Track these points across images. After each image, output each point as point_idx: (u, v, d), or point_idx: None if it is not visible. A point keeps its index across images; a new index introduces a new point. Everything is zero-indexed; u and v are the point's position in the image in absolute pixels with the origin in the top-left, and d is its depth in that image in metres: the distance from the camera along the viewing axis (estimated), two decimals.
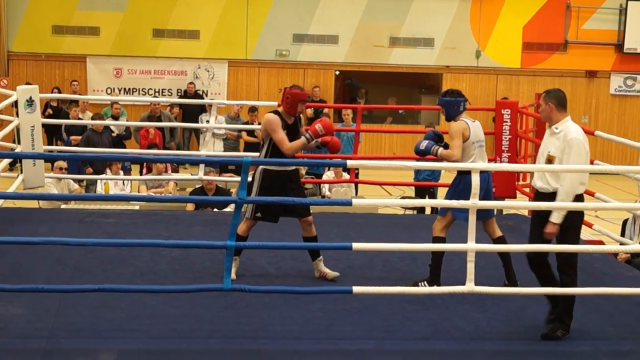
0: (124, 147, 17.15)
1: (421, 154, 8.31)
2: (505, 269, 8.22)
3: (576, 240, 7.11)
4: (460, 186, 8.01)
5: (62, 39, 22.20)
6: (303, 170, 14.54)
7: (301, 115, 8.30)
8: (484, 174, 8.09)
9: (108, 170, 14.31)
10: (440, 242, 8.01)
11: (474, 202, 6.84)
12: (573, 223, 6.99)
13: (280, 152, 7.97)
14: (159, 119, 18.09)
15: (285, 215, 8.08)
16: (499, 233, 8.35)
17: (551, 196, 6.96)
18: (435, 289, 7.03)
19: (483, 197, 7.93)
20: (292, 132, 8.06)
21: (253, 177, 8.07)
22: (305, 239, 8.14)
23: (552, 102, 7.03)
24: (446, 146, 8.30)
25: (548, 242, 7.05)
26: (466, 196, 7.35)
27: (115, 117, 18.06)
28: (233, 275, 7.92)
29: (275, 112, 8.04)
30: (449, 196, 8.10)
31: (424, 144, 8.28)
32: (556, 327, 7.00)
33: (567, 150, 6.92)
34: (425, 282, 7.97)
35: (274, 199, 7.43)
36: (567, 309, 7.04)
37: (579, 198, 6.98)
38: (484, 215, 8.21)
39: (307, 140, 8.02)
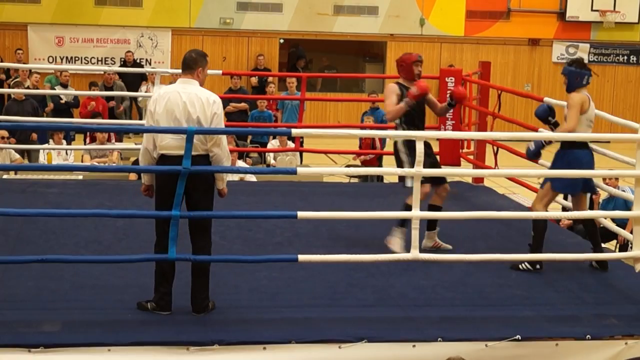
0: (72, 115, 16.94)
1: (533, 155, 8.44)
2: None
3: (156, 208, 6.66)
4: (566, 159, 7.91)
5: (2, 7, 21.81)
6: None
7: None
8: (587, 150, 8.00)
9: (51, 140, 14.14)
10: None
11: (419, 170, 6.85)
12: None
13: (412, 119, 8.16)
14: (111, 89, 17.91)
15: (431, 182, 8.12)
16: (585, 208, 8.47)
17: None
18: (380, 257, 7.03)
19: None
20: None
21: (396, 149, 8.18)
22: (431, 207, 8.27)
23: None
24: (556, 124, 8.31)
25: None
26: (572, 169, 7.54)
27: (65, 85, 17.86)
28: (398, 248, 7.95)
29: (397, 82, 8.26)
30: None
31: (532, 145, 8.35)
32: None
33: None
34: (527, 264, 7.91)
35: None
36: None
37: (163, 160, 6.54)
38: (588, 190, 8.27)
39: (406, 104, 8.10)
